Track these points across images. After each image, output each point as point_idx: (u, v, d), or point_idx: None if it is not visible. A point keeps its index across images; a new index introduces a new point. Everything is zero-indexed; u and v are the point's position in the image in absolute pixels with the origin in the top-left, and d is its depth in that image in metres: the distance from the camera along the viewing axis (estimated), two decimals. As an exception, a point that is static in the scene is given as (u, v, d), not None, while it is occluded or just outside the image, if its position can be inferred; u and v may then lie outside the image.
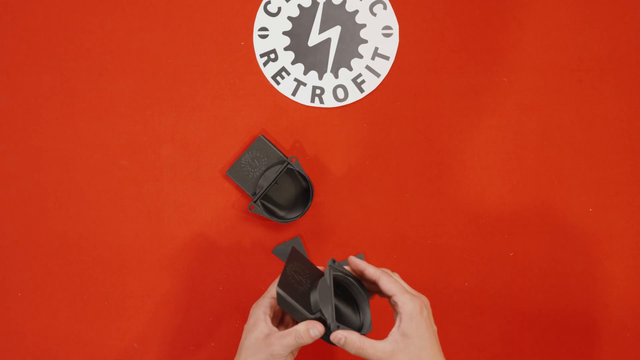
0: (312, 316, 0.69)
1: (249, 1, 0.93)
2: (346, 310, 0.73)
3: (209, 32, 0.92)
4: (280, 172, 0.88)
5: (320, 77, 0.92)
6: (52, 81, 0.92)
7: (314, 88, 0.92)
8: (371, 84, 0.92)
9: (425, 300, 0.71)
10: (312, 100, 0.92)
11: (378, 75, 0.92)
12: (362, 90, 0.92)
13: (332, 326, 0.68)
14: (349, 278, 0.73)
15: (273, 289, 0.74)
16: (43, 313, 0.91)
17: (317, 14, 0.92)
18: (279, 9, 0.92)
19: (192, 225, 0.91)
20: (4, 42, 0.93)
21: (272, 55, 0.92)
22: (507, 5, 0.93)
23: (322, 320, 0.69)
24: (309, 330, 0.68)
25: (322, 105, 0.92)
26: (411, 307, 0.68)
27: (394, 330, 0.69)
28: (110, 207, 0.92)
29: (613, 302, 0.91)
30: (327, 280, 0.70)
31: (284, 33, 0.92)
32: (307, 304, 0.69)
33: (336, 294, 0.71)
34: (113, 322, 0.91)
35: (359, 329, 0.71)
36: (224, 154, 0.92)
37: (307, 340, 0.68)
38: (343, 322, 0.70)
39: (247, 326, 0.73)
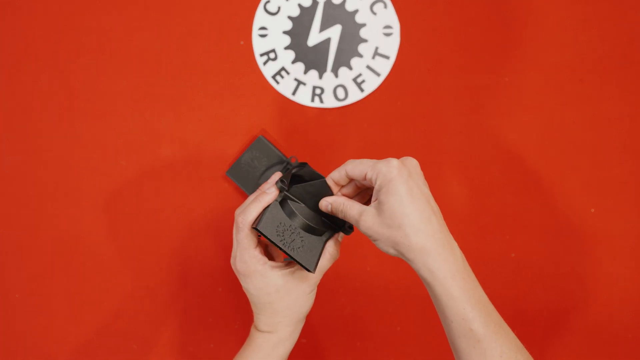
0: (325, 237, 0.68)
1: (248, 0, 0.92)
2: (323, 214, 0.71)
3: (208, 32, 0.92)
4: (280, 173, 0.88)
5: (320, 77, 0.92)
6: (51, 80, 0.92)
7: (314, 88, 0.92)
8: (371, 83, 0.92)
9: (409, 160, 0.64)
10: (312, 100, 0.92)
11: (378, 74, 0.92)
12: (362, 90, 0.92)
13: (345, 230, 0.69)
14: (311, 181, 0.69)
15: (244, 228, 0.67)
16: (42, 314, 0.91)
17: (317, 13, 0.92)
18: (279, 8, 0.92)
19: (191, 226, 0.91)
20: (3, 41, 0.92)
21: (272, 55, 0.92)
22: (509, 5, 0.92)
23: (331, 228, 0.69)
24: (336, 245, 0.69)
25: (322, 105, 0.92)
26: (385, 172, 0.61)
27: (374, 197, 0.63)
28: (109, 207, 0.92)
29: (614, 303, 0.91)
30: (296, 203, 0.68)
31: (284, 32, 0.92)
32: (317, 241, 0.68)
33: (309, 198, 0.69)
34: (112, 323, 0.91)
35: (342, 226, 0.70)
36: (223, 154, 0.92)
37: (338, 255, 0.69)
38: (329, 222, 0.70)
39: (260, 285, 0.67)
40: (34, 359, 0.91)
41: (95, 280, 0.91)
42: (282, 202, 0.68)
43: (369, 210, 0.63)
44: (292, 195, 0.68)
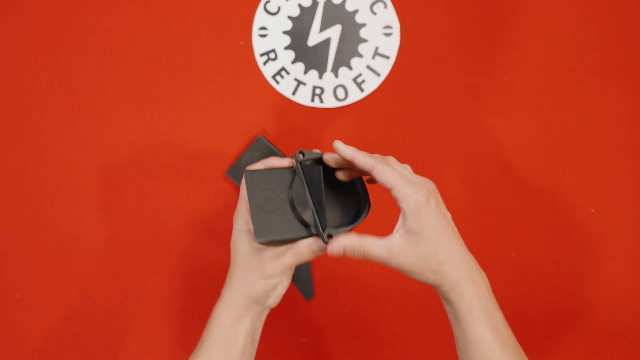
0: (306, 234, 0.63)
1: (248, 0, 0.92)
2: (335, 198, 0.66)
3: (208, 32, 0.92)
4: (279, 173, 0.88)
5: (320, 77, 0.92)
6: (51, 80, 0.92)
7: (314, 88, 0.92)
8: (371, 83, 0.92)
9: (431, 186, 0.64)
10: (312, 100, 0.92)
11: (378, 74, 0.92)
12: (362, 90, 0.92)
13: (323, 237, 0.62)
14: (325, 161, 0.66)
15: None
16: (41, 314, 0.91)
17: (317, 13, 0.92)
18: (279, 8, 0.92)
19: (191, 226, 0.91)
20: (3, 41, 0.92)
21: (272, 55, 0.92)
22: (509, 5, 0.92)
23: (310, 230, 0.64)
24: (311, 245, 0.64)
25: (322, 105, 0.92)
26: (415, 199, 0.61)
27: (399, 227, 0.62)
28: (109, 207, 0.92)
29: (615, 303, 0.91)
30: (301, 181, 0.64)
31: (284, 32, 0.92)
32: (292, 225, 0.63)
33: (316, 187, 0.63)
34: (112, 323, 0.91)
35: (356, 215, 0.66)
36: (223, 154, 0.92)
37: (308, 257, 0.65)
38: (336, 216, 0.65)
39: (233, 240, 0.68)
40: (34, 359, 0.91)
41: (95, 280, 0.91)
42: (291, 172, 0.65)
43: (398, 243, 0.62)
44: (303, 170, 0.65)
